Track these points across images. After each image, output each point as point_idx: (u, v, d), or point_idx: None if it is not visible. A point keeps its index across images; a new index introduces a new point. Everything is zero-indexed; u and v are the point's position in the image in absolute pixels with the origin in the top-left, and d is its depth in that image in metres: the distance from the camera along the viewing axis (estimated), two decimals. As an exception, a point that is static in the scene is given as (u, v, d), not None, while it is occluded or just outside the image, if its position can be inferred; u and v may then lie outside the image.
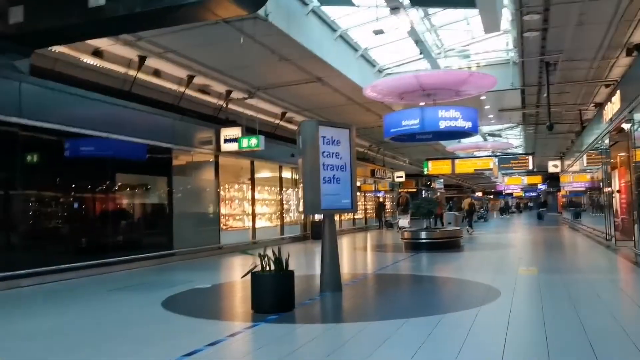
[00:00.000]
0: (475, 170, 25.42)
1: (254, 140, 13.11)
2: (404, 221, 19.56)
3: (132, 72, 11.35)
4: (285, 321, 5.16)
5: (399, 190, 28.01)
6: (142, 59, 10.96)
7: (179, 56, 11.18)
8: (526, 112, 17.99)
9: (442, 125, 11.33)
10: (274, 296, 5.48)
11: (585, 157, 19.30)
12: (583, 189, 20.12)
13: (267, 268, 5.48)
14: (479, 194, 58.58)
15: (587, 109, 17.36)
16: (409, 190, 38.58)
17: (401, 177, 28.05)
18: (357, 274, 8.85)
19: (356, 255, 13.17)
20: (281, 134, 17.33)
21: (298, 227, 17.73)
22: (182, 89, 12.69)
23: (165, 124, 11.46)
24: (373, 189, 27.49)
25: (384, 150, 26.94)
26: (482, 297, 6.20)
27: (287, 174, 17.56)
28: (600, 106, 15.98)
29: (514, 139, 27.18)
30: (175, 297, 6.68)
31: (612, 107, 10.03)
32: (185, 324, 5.26)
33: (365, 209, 26.00)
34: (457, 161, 24.79)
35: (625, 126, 9.40)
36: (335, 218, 20.82)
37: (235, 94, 14.09)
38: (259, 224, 15.47)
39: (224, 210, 14.03)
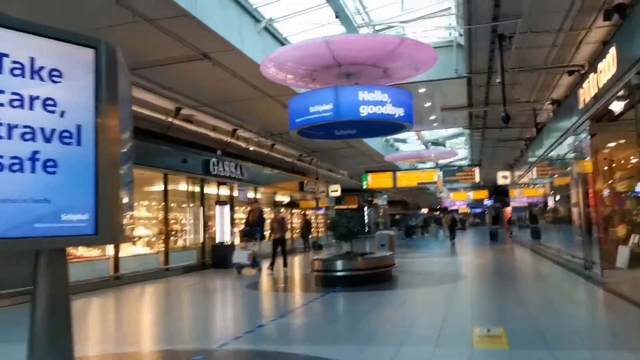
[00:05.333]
0: (418, 183, 22.93)
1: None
2: (241, 255, 11.96)
3: None
4: None
5: (253, 201, 16.14)
6: None
7: None
8: (473, 111, 15.20)
9: (364, 111, 8.18)
10: None
11: (535, 168, 16.79)
12: (542, 201, 17.58)
13: None
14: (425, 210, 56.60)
15: (541, 108, 14.77)
16: (350, 206, 34.83)
17: (336, 191, 24.76)
18: (184, 353, 4.82)
19: (229, 300, 9.19)
20: (173, 135, 13.62)
21: (194, 252, 13.85)
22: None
23: None
24: (315, 205, 23.72)
25: (317, 162, 23.63)
26: None
27: (176, 185, 13.88)
28: (558, 104, 13.40)
29: (459, 148, 24.65)
30: None
31: (599, 77, 6.99)
32: None
33: (292, 229, 22.44)
34: (398, 173, 22.39)
35: (617, 106, 6.38)
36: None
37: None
38: (130, 250, 11.45)
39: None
